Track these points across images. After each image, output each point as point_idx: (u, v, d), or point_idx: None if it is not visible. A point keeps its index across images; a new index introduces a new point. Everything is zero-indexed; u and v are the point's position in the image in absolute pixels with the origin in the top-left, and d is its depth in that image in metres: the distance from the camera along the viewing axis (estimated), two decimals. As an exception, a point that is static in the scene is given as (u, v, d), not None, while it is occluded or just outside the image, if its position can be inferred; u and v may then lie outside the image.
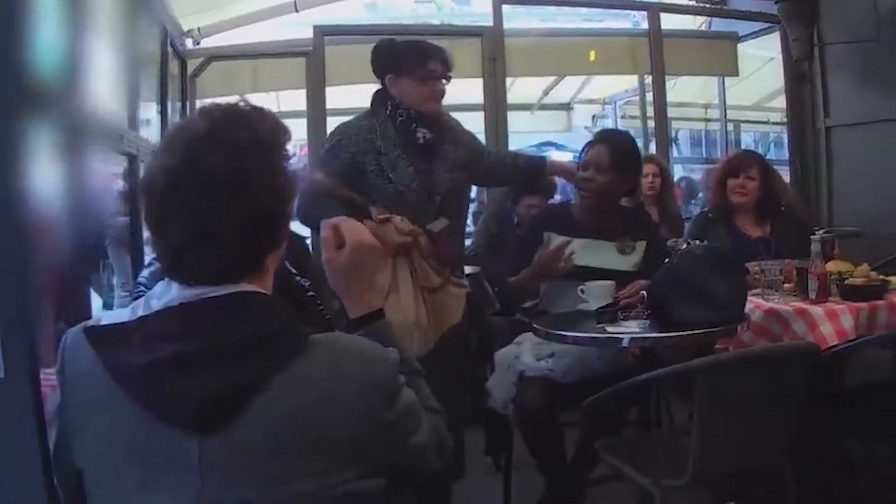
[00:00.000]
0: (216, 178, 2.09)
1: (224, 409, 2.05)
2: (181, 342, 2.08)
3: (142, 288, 4.39)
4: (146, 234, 3.04)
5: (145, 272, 4.54)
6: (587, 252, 5.26)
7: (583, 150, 5.47)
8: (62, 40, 2.38)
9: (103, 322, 2.25)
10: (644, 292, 4.87)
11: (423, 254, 5.07)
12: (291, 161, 2.28)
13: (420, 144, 5.13)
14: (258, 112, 2.31)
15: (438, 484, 4.85)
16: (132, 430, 2.09)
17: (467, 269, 7.01)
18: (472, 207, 10.62)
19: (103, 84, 2.53)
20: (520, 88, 12.69)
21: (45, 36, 2.28)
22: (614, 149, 5.31)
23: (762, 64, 12.66)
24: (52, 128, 2.37)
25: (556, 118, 17.65)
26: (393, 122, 5.13)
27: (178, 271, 2.17)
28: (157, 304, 2.19)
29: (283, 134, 2.30)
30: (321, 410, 2.10)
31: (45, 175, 2.31)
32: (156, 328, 2.13)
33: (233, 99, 2.33)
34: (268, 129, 2.25)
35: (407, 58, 5.17)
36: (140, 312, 2.20)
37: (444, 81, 5.18)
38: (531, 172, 5.89)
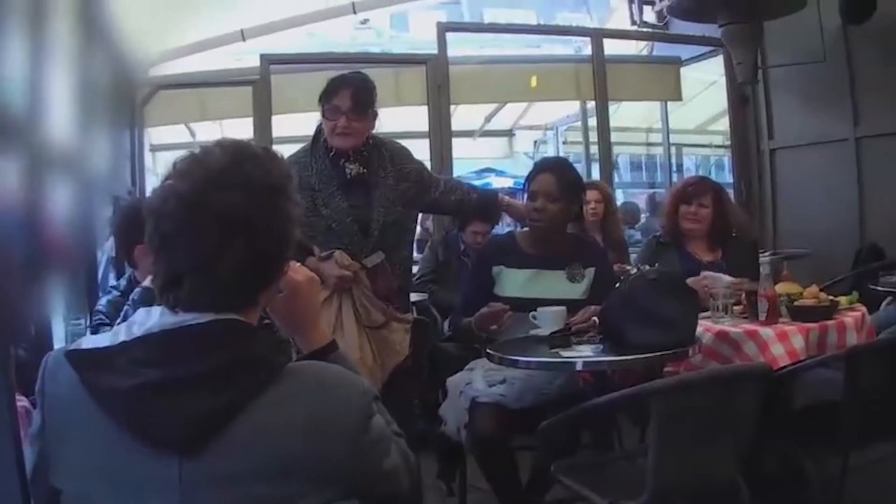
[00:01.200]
0: (227, 213, 2.14)
1: (204, 432, 2.08)
2: (164, 367, 2.12)
3: (100, 316, 4.40)
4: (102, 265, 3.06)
5: (103, 300, 4.55)
6: (537, 282, 5.32)
7: (527, 181, 5.47)
8: (21, 69, 2.39)
9: (84, 346, 2.27)
10: (595, 318, 4.89)
11: (363, 289, 5.10)
12: (294, 204, 2.32)
13: (349, 180, 5.16)
14: (270, 155, 2.36)
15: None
16: (113, 451, 2.11)
17: (415, 297, 7.05)
18: (417, 235, 10.70)
19: (61, 113, 2.54)
20: (462, 115, 12.73)
21: (5, 65, 2.28)
22: (560, 176, 5.32)
23: (704, 87, 12.78)
24: (11, 155, 2.37)
25: (497, 144, 17.75)
26: (327, 157, 5.16)
27: (172, 293, 2.21)
28: (138, 331, 2.21)
29: (290, 179, 2.35)
30: (297, 435, 2.14)
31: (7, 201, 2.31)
32: (138, 353, 2.16)
33: (245, 137, 2.39)
34: (278, 173, 2.30)
35: (323, 91, 5.19)
36: (122, 338, 2.22)
37: (346, 118, 5.11)
38: (481, 207, 5.90)
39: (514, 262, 5.40)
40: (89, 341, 2.33)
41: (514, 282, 5.35)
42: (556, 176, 5.31)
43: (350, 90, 5.12)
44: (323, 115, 5.17)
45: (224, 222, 2.14)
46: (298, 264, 2.56)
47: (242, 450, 2.10)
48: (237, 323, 2.22)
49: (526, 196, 5.41)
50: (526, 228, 5.56)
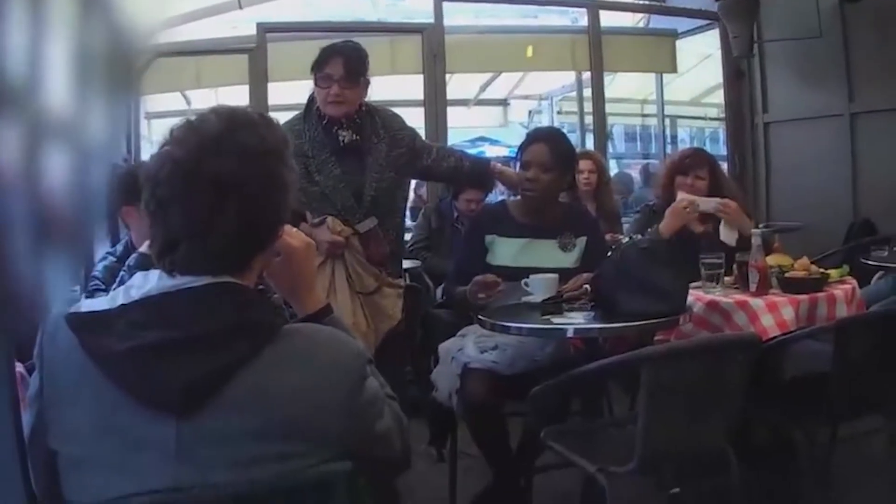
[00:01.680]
0: (221, 178, 2.16)
1: (201, 393, 2.11)
2: (162, 329, 2.15)
3: (96, 281, 4.41)
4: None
5: (100, 265, 4.55)
6: (529, 251, 5.34)
7: (519, 151, 5.49)
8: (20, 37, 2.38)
9: (83, 309, 2.30)
10: (587, 286, 4.92)
11: (356, 255, 5.14)
12: (289, 169, 2.35)
13: (342, 146, 5.19)
14: (266, 121, 2.38)
15: (385, 478, 4.90)
16: (111, 412, 2.15)
17: (408, 264, 7.07)
18: (411, 202, 10.71)
19: (59, 81, 2.53)
20: (457, 84, 12.73)
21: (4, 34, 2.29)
22: (552, 146, 5.34)
23: (700, 60, 12.77)
24: (10, 123, 2.38)
25: (492, 113, 17.74)
26: (320, 124, 5.21)
27: (169, 258, 2.23)
28: (136, 294, 2.25)
29: (286, 144, 2.38)
30: (293, 395, 2.18)
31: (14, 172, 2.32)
32: (137, 316, 2.19)
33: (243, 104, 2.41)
34: (274, 139, 2.32)
35: (315, 60, 5.23)
36: (120, 301, 2.25)
37: (338, 86, 5.16)
38: (474, 175, 5.91)
39: (506, 230, 5.42)
40: (88, 304, 2.37)
41: (506, 250, 5.37)
42: (548, 146, 5.33)
43: (342, 59, 5.17)
44: (315, 84, 5.21)
45: (219, 187, 2.17)
46: (295, 229, 2.58)
47: (238, 411, 2.13)
48: (234, 286, 2.26)
49: (518, 166, 5.43)
50: (518, 197, 5.58)
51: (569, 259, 5.37)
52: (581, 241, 5.43)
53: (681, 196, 5.89)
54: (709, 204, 5.79)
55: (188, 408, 2.11)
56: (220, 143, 2.20)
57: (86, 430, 2.18)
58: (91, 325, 2.22)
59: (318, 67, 5.18)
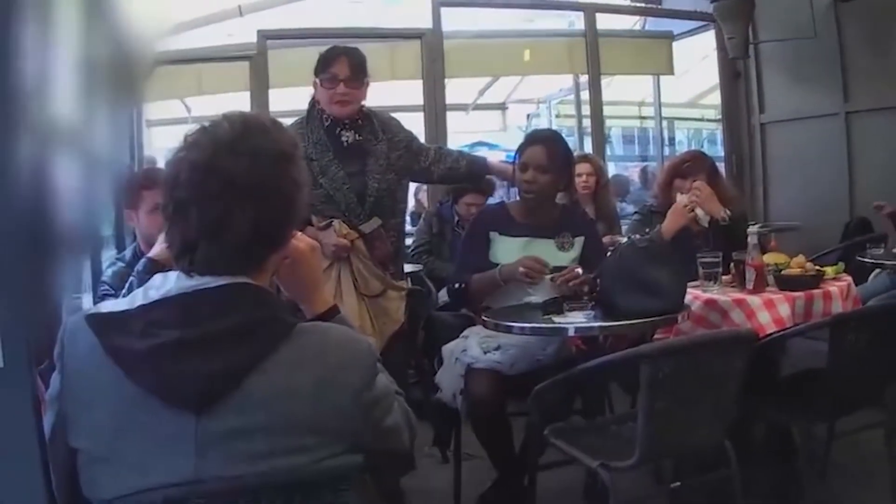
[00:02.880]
0: (236, 181, 2.25)
1: (219, 390, 2.20)
2: (181, 328, 2.23)
3: (106, 287, 4.47)
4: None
5: (108, 271, 4.62)
6: (529, 250, 5.37)
7: (518, 153, 5.56)
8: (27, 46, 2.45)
9: (103, 310, 2.39)
10: (579, 269, 5.04)
11: (361, 258, 5.22)
12: (301, 170, 2.43)
13: (345, 147, 5.29)
14: (276, 125, 2.47)
15: (391, 479, 4.97)
16: (131, 410, 2.22)
17: (410, 268, 7.14)
18: (411, 207, 10.75)
19: (66, 90, 2.60)
20: (456, 88, 12.76)
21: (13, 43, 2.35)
22: (550, 148, 5.41)
23: (697, 62, 12.79)
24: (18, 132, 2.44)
25: (490, 118, 17.72)
26: (322, 127, 5.30)
27: (187, 258, 2.31)
28: (155, 294, 2.33)
29: (297, 146, 2.46)
30: (307, 391, 2.26)
31: (34, 177, 2.38)
32: (156, 316, 2.27)
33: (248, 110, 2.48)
34: (285, 141, 2.41)
35: (319, 62, 5.32)
36: (139, 301, 2.33)
37: (344, 85, 5.26)
38: (472, 174, 5.97)
39: (507, 230, 5.49)
40: (108, 305, 2.45)
41: (507, 249, 5.42)
42: (546, 148, 5.40)
43: (347, 59, 5.28)
44: (320, 85, 5.30)
45: (234, 188, 2.24)
46: (300, 233, 2.65)
47: (255, 406, 2.21)
48: (250, 286, 2.33)
49: (517, 167, 5.50)
50: (517, 199, 5.65)
51: (567, 258, 5.43)
52: (579, 241, 5.51)
53: (681, 197, 5.96)
54: (705, 218, 5.89)
55: (207, 404, 2.19)
56: (234, 146, 2.28)
57: (106, 428, 2.25)
58: (111, 325, 2.30)
59: (323, 68, 5.28)
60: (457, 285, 5.51)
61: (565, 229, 5.51)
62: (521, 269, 5.09)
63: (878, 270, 7.24)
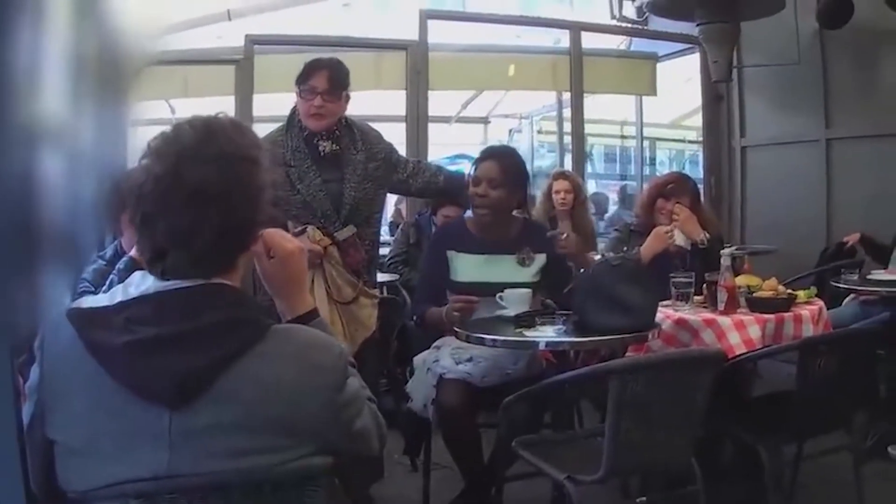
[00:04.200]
0: (201, 189, 2.27)
1: (193, 387, 2.23)
2: (157, 326, 2.28)
3: (85, 284, 4.49)
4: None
5: (89, 269, 4.64)
6: (489, 266, 5.45)
7: (472, 167, 5.62)
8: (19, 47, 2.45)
9: (84, 305, 2.43)
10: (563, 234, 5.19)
11: (334, 264, 5.26)
12: (264, 171, 2.45)
13: (323, 157, 5.32)
14: (237, 127, 2.49)
15: (360, 486, 5.00)
16: (108, 404, 2.26)
17: (385, 277, 7.18)
18: (389, 217, 10.77)
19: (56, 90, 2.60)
20: (439, 101, 12.79)
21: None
22: (503, 164, 5.47)
23: (681, 83, 12.84)
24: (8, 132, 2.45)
25: (472, 131, 17.76)
26: (301, 135, 5.33)
27: (158, 265, 2.35)
28: (135, 292, 2.37)
29: (259, 148, 2.48)
30: (279, 391, 2.30)
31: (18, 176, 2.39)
32: (134, 312, 2.31)
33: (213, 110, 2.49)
34: (247, 144, 2.43)
35: (300, 72, 5.37)
36: (119, 298, 2.38)
37: (321, 98, 5.29)
38: (449, 188, 5.98)
39: (466, 247, 5.53)
40: (88, 301, 2.49)
41: (467, 267, 5.48)
42: (499, 163, 5.45)
43: (326, 72, 5.31)
44: (298, 96, 5.33)
45: (199, 197, 2.27)
46: (289, 234, 2.70)
47: (228, 404, 2.25)
48: (224, 287, 2.38)
49: (470, 181, 5.54)
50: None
51: (527, 274, 5.48)
52: (540, 258, 5.52)
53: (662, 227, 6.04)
54: (683, 240, 5.96)
55: (181, 400, 2.23)
56: (197, 154, 2.31)
57: (83, 420, 2.29)
58: (91, 320, 2.34)
59: (303, 80, 5.31)
60: (414, 319, 5.56)
61: (525, 244, 5.53)
62: (454, 312, 5.11)
63: (852, 296, 7.29)
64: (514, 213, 5.65)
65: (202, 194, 2.27)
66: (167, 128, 2.40)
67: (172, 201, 2.27)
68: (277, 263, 2.63)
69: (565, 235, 5.37)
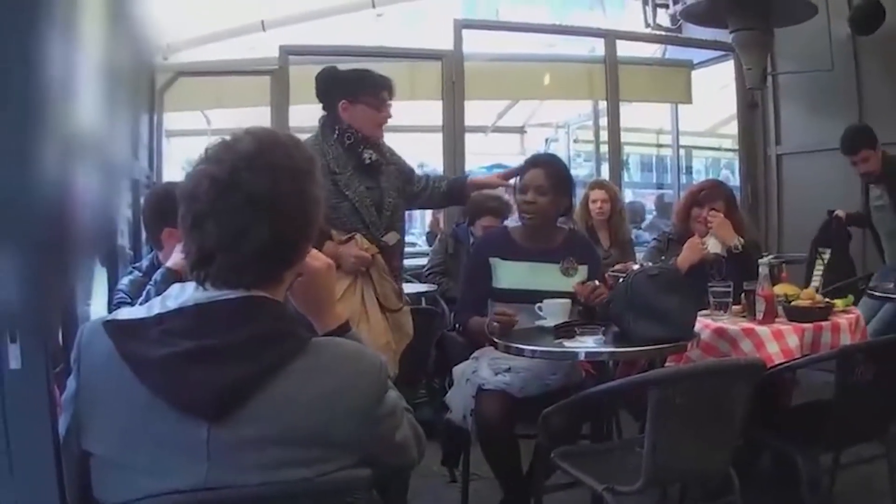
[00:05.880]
0: (255, 196, 2.29)
1: (233, 400, 2.25)
2: (196, 338, 2.28)
3: (122, 295, 4.52)
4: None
5: (125, 280, 4.67)
6: (533, 274, 5.47)
7: (519, 176, 5.63)
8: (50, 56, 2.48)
9: (120, 317, 2.44)
10: (596, 281, 5.19)
11: (381, 272, 5.29)
12: (318, 186, 2.47)
13: (367, 165, 5.38)
14: (295, 142, 2.52)
15: (398, 497, 5.03)
16: (144, 417, 2.27)
17: (424, 287, 7.23)
18: (427, 226, 10.80)
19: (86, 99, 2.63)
20: (475, 111, 12.80)
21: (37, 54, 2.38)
22: (549, 171, 5.49)
23: (716, 91, 12.79)
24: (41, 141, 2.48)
25: (509, 141, 17.72)
26: (342, 145, 5.36)
27: (203, 270, 2.35)
28: (172, 304, 2.38)
29: (314, 163, 2.50)
30: (319, 404, 2.32)
31: (54, 181, 2.42)
32: (172, 325, 2.32)
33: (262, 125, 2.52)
34: (304, 158, 2.45)
35: (363, 86, 5.42)
36: (156, 310, 2.39)
37: (389, 110, 5.45)
38: (451, 193, 6.01)
39: (509, 254, 5.56)
40: (125, 313, 2.51)
41: (510, 274, 5.51)
42: (545, 171, 5.48)
43: (389, 87, 5.48)
44: (365, 105, 5.40)
45: (252, 203, 2.28)
46: (316, 251, 2.69)
47: (267, 418, 2.26)
48: (266, 300, 2.38)
49: (517, 190, 5.57)
50: (519, 223, 5.71)
51: (570, 283, 5.47)
52: (583, 269, 5.55)
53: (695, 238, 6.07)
54: (717, 246, 5.99)
55: (220, 414, 2.24)
56: (254, 162, 2.32)
57: (120, 433, 2.30)
58: (128, 331, 2.35)
59: (375, 91, 5.42)
60: (457, 327, 5.59)
61: (570, 254, 5.55)
62: (494, 324, 5.13)
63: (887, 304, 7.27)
64: (559, 221, 5.68)
65: (256, 201, 2.29)
66: (225, 136, 2.43)
67: (227, 203, 2.28)
68: (305, 281, 2.64)
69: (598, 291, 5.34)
